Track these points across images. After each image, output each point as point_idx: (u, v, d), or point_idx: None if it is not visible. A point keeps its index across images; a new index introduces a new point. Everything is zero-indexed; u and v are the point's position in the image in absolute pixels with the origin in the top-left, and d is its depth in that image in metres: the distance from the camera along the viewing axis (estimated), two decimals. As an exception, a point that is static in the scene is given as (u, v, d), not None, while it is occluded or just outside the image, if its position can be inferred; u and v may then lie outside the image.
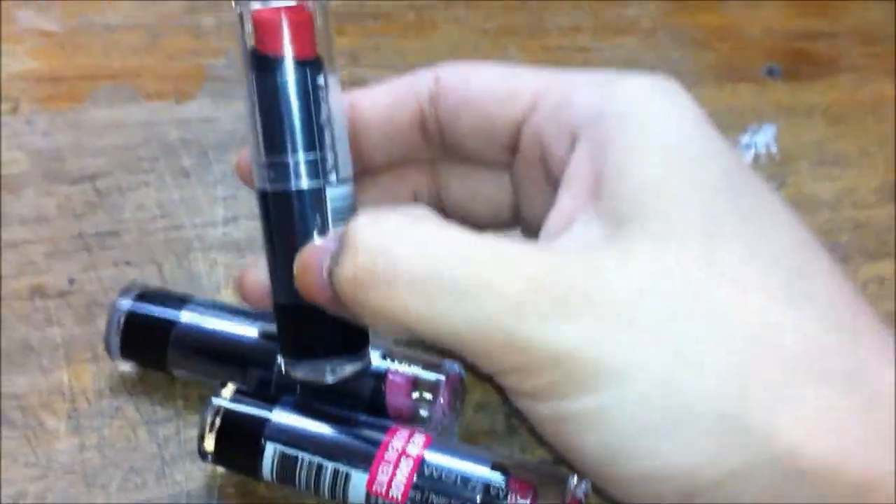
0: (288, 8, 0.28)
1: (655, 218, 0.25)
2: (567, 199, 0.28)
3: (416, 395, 0.33)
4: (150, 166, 0.44)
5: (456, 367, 0.33)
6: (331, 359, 0.30)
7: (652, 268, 0.24)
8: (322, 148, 0.29)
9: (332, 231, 0.29)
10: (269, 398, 0.32)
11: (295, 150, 0.28)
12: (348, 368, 0.30)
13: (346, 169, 0.29)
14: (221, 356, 0.34)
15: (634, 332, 0.24)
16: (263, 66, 0.28)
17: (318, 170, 0.29)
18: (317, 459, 0.30)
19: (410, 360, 0.33)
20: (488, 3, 0.55)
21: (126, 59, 0.49)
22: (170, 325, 0.34)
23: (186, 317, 0.34)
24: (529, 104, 0.30)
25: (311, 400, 0.32)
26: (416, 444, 0.30)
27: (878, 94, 0.51)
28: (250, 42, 0.29)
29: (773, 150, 0.47)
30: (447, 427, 0.33)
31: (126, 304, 0.34)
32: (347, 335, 0.30)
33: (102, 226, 0.41)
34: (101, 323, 0.37)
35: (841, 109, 0.49)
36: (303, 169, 0.28)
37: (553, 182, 0.30)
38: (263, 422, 0.31)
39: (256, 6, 0.28)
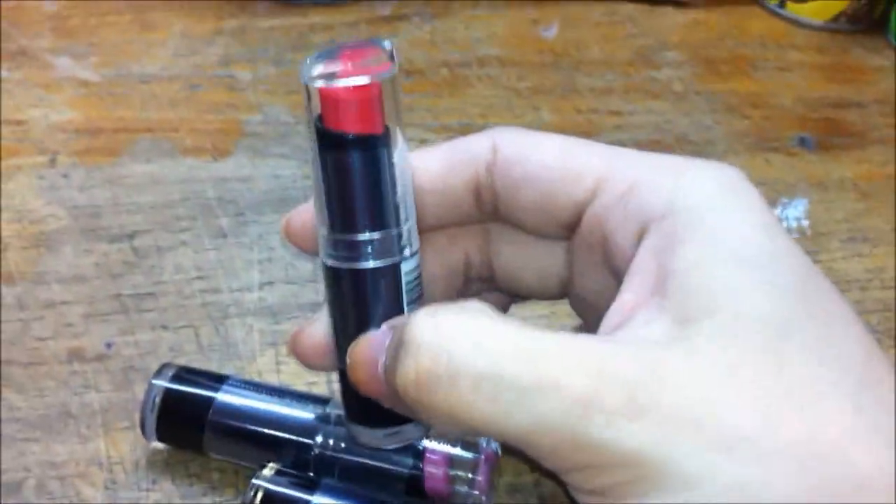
0: (357, 87, 0.27)
1: (724, 319, 0.25)
2: (630, 293, 0.28)
3: (453, 472, 0.33)
4: (187, 225, 0.44)
5: (494, 445, 0.34)
6: (389, 427, 0.30)
7: (719, 371, 0.24)
8: (396, 225, 0.28)
9: (385, 326, 0.28)
10: (309, 480, 0.32)
11: (366, 229, 0.28)
12: (406, 435, 0.30)
13: (416, 241, 0.29)
14: (258, 440, 0.34)
15: (703, 437, 0.24)
16: (331, 142, 0.27)
17: (391, 247, 0.28)
18: (356, 547, 0.31)
19: (448, 439, 0.34)
20: (521, 63, 0.55)
21: (163, 111, 0.50)
22: (206, 410, 0.34)
23: (222, 400, 0.34)
24: (592, 188, 0.30)
25: (350, 482, 0.33)
26: (455, 534, 0.31)
27: (907, 167, 0.51)
28: (316, 115, 0.27)
29: (805, 224, 0.47)
30: (483, 505, 0.33)
31: (161, 385, 0.35)
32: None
33: (140, 287, 0.41)
34: (138, 389, 0.37)
35: (870, 184, 0.50)
36: (375, 247, 0.28)
37: (612, 268, 0.29)
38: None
39: (321, 84, 0.27)
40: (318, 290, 0.42)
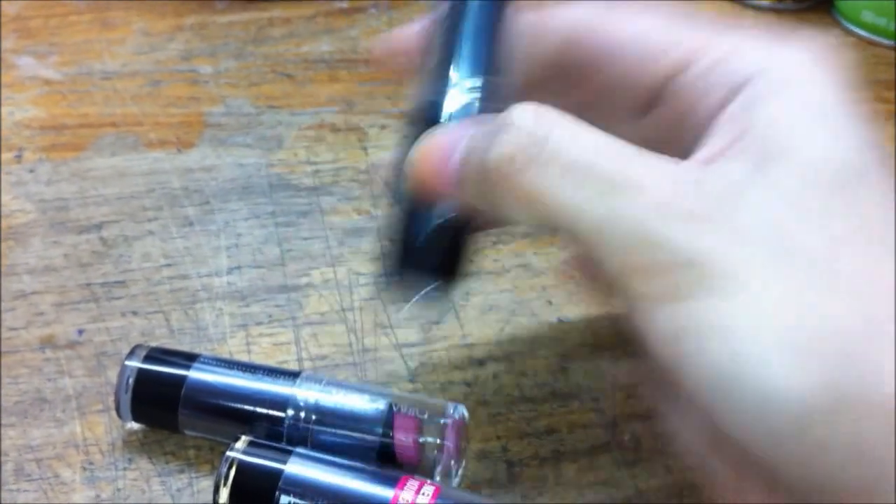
0: None
1: (801, 160, 0.26)
2: (714, 140, 0.28)
3: (423, 440, 0.34)
4: (154, 215, 0.45)
5: (461, 411, 0.35)
6: (423, 276, 0.32)
7: (792, 201, 0.26)
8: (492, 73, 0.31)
9: (471, 119, 0.30)
10: (282, 451, 0.33)
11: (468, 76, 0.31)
12: (436, 292, 0.32)
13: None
14: (231, 415, 0.35)
15: (769, 250, 0.25)
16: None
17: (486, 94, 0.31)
18: (330, 511, 0.31)
19: (417, 406, 0.35)
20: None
21: (126, 106, 0.50)
22: (178, 388, 0.35)
23: (195, 378, 0.35)
24: (683, 61, 0.30)
25: (323, 452, 0.33)
26: (427, 495, 0.32)
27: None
28: None
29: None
30: (452, 473, 0.34)
31: (134, 365, 0.35)
32: (445, 258, 0.32)
33: (109, 276, 0.42)
34: (111, 374, 0.38)
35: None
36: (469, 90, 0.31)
37: (689, 139, 0.30)
38: (278, 474, 0.32)
39: None
40: (286, 274, 0.43)
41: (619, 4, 0.33)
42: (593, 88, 0.33)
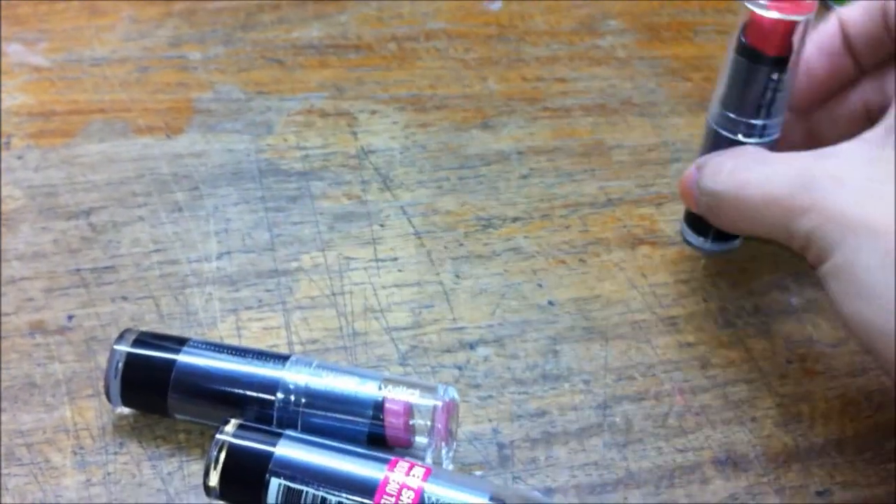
0: (780, 21, 0.36)
1: None
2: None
3: (413, 422, 0.34)
4: (143, 201, 0.44)
5: (451, 392, 0.35)
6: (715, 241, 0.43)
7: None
8: (766, 116, 0.38)
9: (695, 164, 0.40)
10: (272, 433, 0.33)
11: (747, 116, 0.38)
12: (726, 246, 0.44)
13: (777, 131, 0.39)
14: (221, 399, 0.35)
15: (850, 228, 0.32)
16: (747, 55, 0.37)
17: (753, 132, 0.39)
18: (321, 493, 0.31)
19: (407, 386, 0.35)
20: (468, 35, 0.56)
21: (115, 92, 0.50)
22: (168, 372, 0.35)
23: (184, 362, 0.35)
24: None
25: (313, 434, 0.33)
26: (417, 477, 0.32)
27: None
28: (742, 29, 0.37)
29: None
30: (443, 455, 0.34)
31: (123, 350, 0.35)
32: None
33: (99, 261, 0.42)
34: (101, 359, 0.38)
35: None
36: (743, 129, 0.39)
37: None
38: (268, 456, 0.32)
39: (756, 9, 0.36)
40: (276, 258, 0.43)
41: None
42: None
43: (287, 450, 0.32)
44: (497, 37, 0.56)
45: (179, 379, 0.35)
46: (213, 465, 0.32)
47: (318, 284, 0.42)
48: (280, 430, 0.33)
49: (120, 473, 0.35)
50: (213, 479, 0.33)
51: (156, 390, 0.35)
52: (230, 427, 0.33)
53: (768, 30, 0.36)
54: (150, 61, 0.52)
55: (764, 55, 0.37)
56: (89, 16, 0.55)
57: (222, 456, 0.33)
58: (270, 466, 0.32)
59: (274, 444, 0.33)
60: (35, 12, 0.55)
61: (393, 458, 0.33)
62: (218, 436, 0.33)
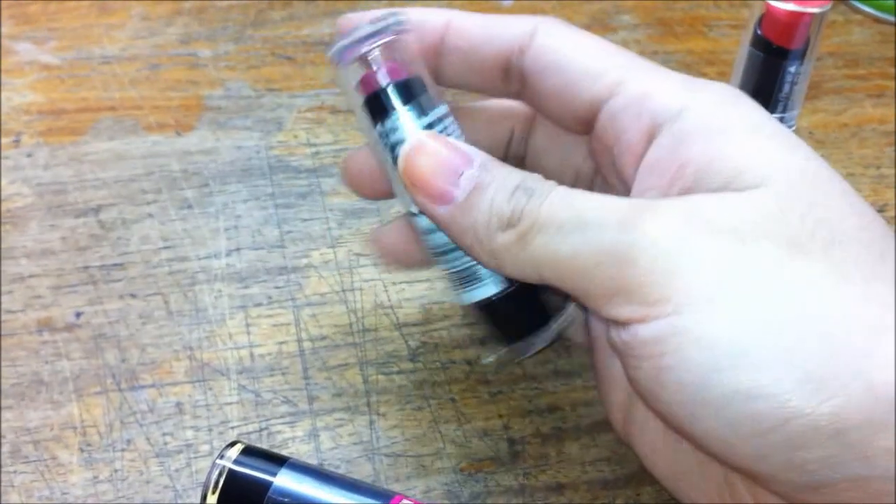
0: (796, 13, 0.36)
1: (751, 185, 0.27)
2: (650, 182, 0.30)
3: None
4: (153, 198, 0.44)
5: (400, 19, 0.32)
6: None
7: (754, 218, 0.27)
8: (783, 110, 0.38)
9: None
10: (274, 462, 0.32)
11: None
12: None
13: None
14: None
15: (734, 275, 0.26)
16: (763, 47, 0.37)
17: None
18: (320, 527, 0.31)
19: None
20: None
21: (125, 90, 0.50)
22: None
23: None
24: (611, 87, 0.31)
25: (315, 464, 0.33)
26: (420, 512, 0.31)
27: (860, 117, 0.52)
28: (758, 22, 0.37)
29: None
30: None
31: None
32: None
33: (107, 258, 0.42)
34: (109, 356, 0.38)
35: (825, 132, 0.51)
36: None
37: (619, 167, 0.31)
38: (267, 485, 0.31)
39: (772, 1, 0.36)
40: (285, 255, 0.42)
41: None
42: (539, 98, 0.33)
43: (287, 480, 0.31)
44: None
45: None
46: (210, 490, 0.32)
47: (327, 281, 0.41)
48: (284, 457, 0.32)
49: (127, 470, 0.35)
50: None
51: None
52: (232, 452, 0.32)
53: (784, 22, 0.36)
54: (159, 59, 0.52)
55: (780, 48, 0.36)
56: (99, 14, 0.55)
57: (221, 481, 0.32)
58: (268, 495, 0.31)
59: (274, 474, 0.31)
60: (45, 10, 0.55)
61: (397, 494, 0.32)
62: (218, 460, 0.32)
